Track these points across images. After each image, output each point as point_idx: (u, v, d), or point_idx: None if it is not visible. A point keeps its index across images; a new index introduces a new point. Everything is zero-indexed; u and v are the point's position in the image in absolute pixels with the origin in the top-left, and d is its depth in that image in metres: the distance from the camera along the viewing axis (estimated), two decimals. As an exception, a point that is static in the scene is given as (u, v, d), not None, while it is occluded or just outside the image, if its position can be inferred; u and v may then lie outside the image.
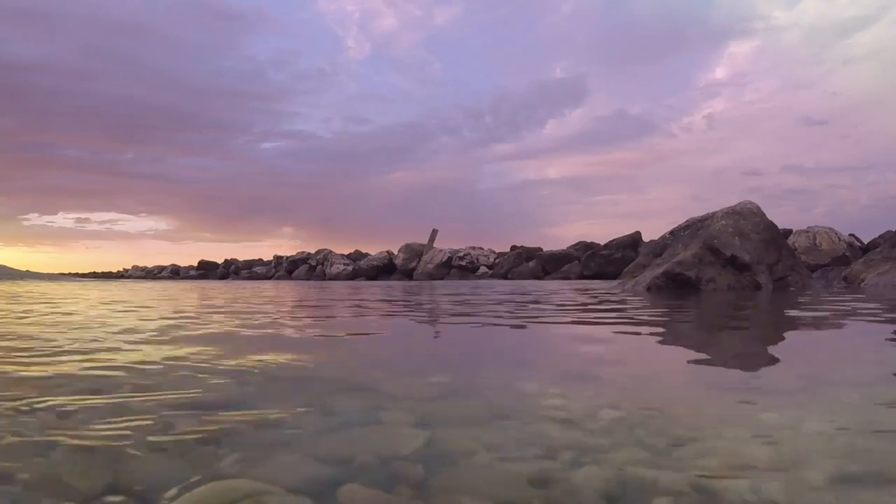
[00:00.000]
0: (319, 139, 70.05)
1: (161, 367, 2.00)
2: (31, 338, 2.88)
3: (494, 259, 32.36)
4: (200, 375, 1.84)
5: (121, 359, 2.17)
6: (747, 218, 10.37)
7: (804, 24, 61.53)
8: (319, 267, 36.00)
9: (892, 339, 2.99)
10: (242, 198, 73.05)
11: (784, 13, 62.56)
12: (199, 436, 1.18)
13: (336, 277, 33.28)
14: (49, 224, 70.63)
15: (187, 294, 9.31)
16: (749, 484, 0.93)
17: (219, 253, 62.14)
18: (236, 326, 3.61)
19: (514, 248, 32.38)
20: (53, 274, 36.48)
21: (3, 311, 5.03)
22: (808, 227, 22.34)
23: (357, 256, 36.81)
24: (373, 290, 12.04)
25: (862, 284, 10.96)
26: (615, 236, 27.84)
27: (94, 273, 58.35)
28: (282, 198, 73.28)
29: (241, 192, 73.91)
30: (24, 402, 1.45)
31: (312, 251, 38.57)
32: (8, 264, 28.88)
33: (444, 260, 32.00)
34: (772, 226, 10.62)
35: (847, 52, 57.93)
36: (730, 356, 2.47)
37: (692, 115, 68.25)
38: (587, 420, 1.31)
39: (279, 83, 68.35)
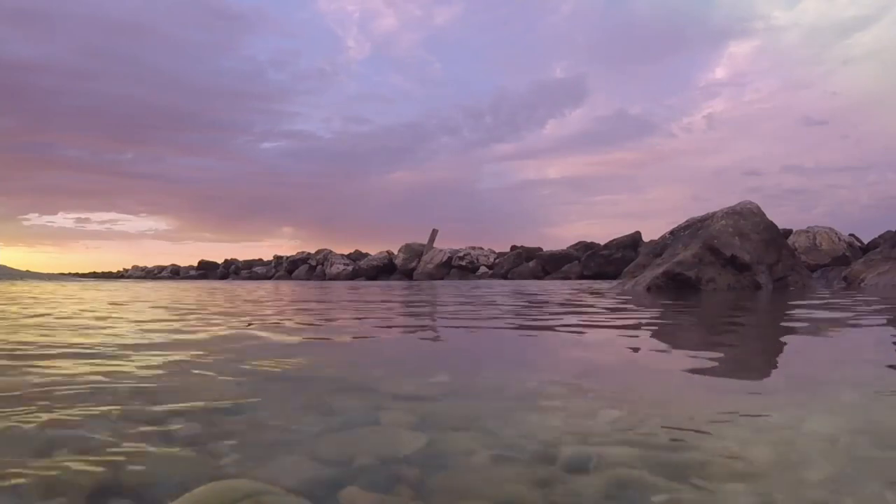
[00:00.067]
0: (319, 139, 70.00)
1: (161, 367, 2.00)
2: (31, 339, 2.88)
3: (494, 259, 32.33)
4: (200, 376, 1.85)
5: (121, 359, 2.17)
6: (747, 218, 10.38)
7: (804, 24, 61.49)
8: (319, 267, 35.97)
9: (892, 340, 2.99)
10: (242, 198, 73.06)
11: (784, 13, 62.50)
12: (199, 436, 1.18)
13: (336, 277, 33.26)
14: (49, 224, 70.68)
15: (187, 294, 9.31)
16: (749, 484, 0.93)
17: (219, 253, 62.14)
18: (236, 327, 3.61)
19: (514, 248, 32.36)
20: (53, 274, 36.54)
21: (2, 311, 5.03)
22: (808, 227, 22.32)
23: (357, 256, 36.78)
24: (373, 290, 12.04)
25: (862, 284, 10.95)
26: (615, 236, 27.82)
27: (95, 273, 58.33)
28: (282, 198, 73.27)
29: (241, 192, 73.92)
30: (23, 402, 1.45)
31: (312, 251, 38.53)
32: (8, 264, 28.95)
33: (444, 260, 31.98)
34: (772, 226, 10.62)
35: (847, 52, 57.92)
36: (729, 356, 2.47)
37: (692, 115, 68.18)
38: (587, 420, 1.32)
39: (279, 83, 68.34)
